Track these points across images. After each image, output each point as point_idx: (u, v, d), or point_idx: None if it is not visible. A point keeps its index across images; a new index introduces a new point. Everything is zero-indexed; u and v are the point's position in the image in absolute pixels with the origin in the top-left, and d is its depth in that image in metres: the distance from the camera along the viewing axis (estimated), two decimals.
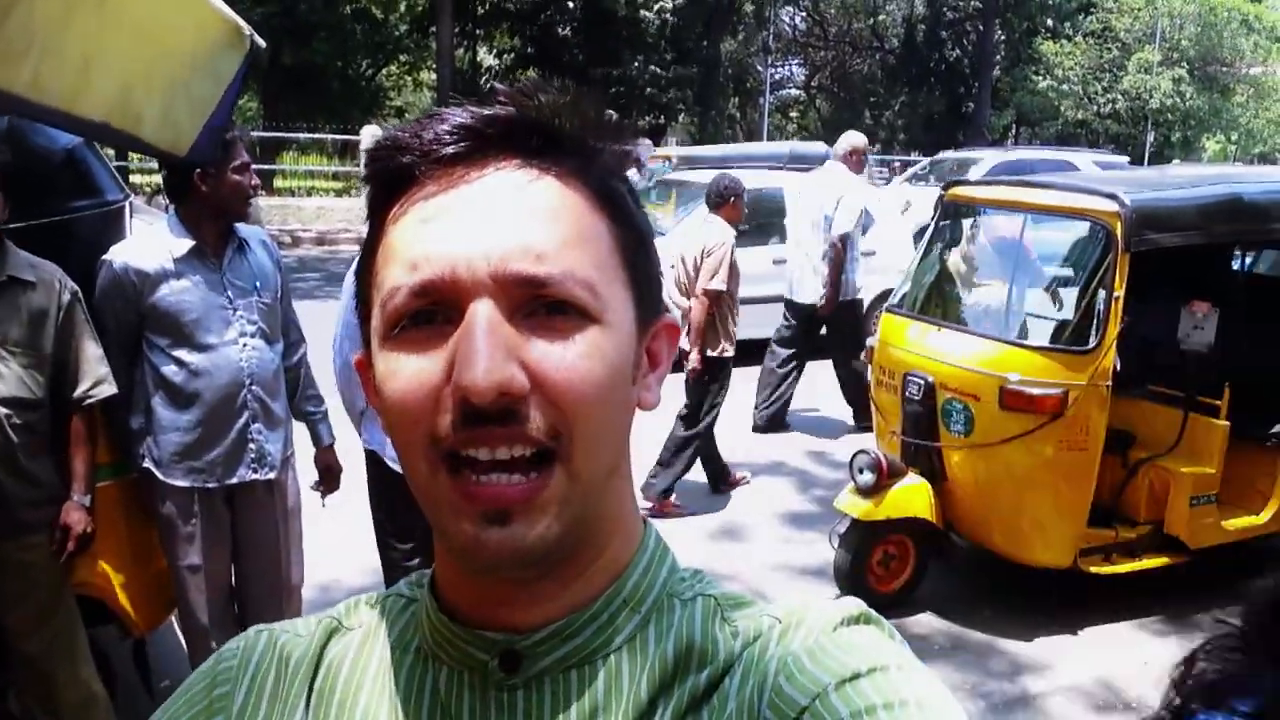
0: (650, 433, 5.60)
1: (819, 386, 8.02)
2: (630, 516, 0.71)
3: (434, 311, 0.60)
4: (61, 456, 2.80)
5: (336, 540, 4.46)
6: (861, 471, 4.44)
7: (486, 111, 0.63)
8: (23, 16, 1.84)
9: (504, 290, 0.59)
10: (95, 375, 2.82)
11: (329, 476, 3.46)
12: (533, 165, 0.63)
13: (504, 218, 0.60)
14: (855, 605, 0.67)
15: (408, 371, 0.60)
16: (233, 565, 3.19)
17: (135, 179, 17.39)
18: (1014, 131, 38.15)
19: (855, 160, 7.26)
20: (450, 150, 0.62)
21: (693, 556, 5.01)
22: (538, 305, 0.60)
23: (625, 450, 0.68)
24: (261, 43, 2.57)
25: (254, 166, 2.98)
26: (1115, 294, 4.18)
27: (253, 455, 3.04)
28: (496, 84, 0.66)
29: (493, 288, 0.59)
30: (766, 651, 0.65)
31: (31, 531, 2.72)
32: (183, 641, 3.41)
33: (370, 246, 0.66)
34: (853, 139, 7.31)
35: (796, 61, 39.95)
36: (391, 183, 0.64)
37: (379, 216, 0.66)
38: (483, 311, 0.58)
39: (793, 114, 42.16)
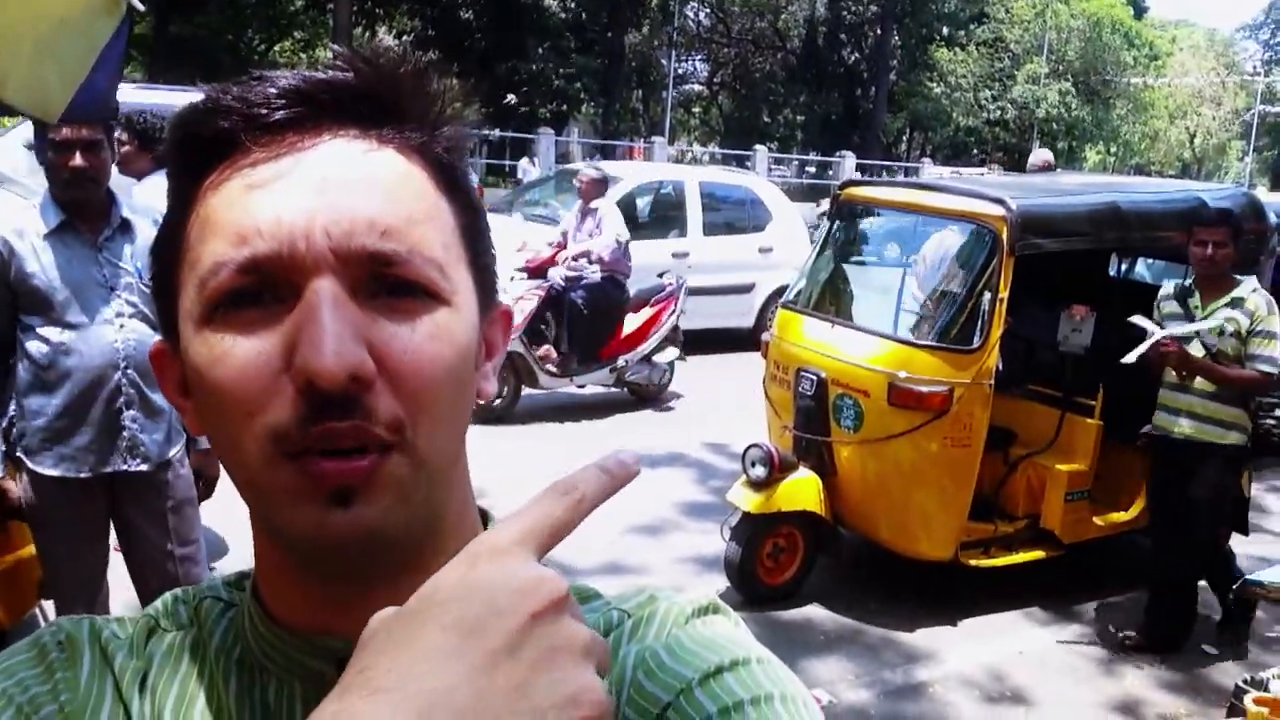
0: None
1: (719, 380, 8.11)
2: (471, 512, 0.67)
3: (261, 291, 0.55)
4: None
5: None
6: (753, 465, 4.49)
7: (321, 76, 0.58)
8: None
9: (347, 268, 0.54)
10: None
11: (202, 484, 3.23)
12: (371, 136, 0.58)
13: (344, 189, 0.55)
14: (704, 596, 0.66)
15: (237, 355, 0.54)
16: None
17: None
18: (908, 135, 39.20)
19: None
20: (281, 115, 0.57)
21: (609, 549, 5.02)
22: (381, 285, 0.55)
23: (464, 440, 0.63)
24: (139, 5, 2.46)
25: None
26: (1000, 295, 4.32)
27: (126, 444, 2.89)
28: (333, 45, 0.62)
29: (335, 264, 0.54)
30: (620, 647, 0.62)
31: None
32: None
33: (177, 220, 0.59)
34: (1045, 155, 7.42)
35: (700, 57, 40.28)
36: (208, 150, 0.58)
37: (190, 186, 0.59)
38: (327, 289, 0.53)
39: (695, 109, 42.50)
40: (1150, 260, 6.89)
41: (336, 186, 0.56)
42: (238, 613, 0.66)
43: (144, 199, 3.22)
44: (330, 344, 0.52)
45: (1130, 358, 4.12)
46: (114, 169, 2.93)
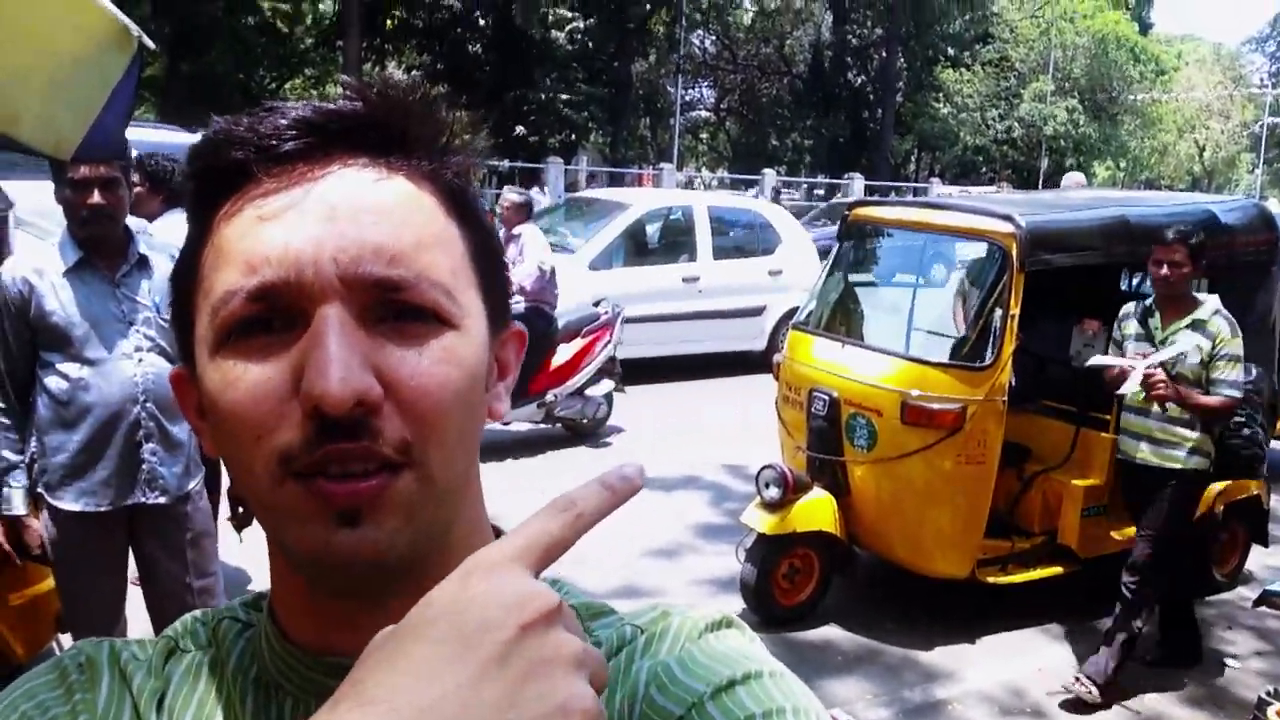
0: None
1: (738, 401, 8.10)
2: (484, 529, 0.67)
3: (271, 319, 0.56)
4: None
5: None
6: (767, 486, 4.49)
7: (330, 106, 0.60)
8: None
9: (354, 294, 0.56)
10: None
11: (241, 510, 3.24)
12: (380, 164, 0.60)
13: (353, 217, 0.57)
14: (717, 610, 0.66)
15: (247, 381, 0.56)
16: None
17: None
18: (916, 156, 39.26)
19: None
20: (290, 146, 0.58)
21: (623, 572, 5.02)
22: (388, 311, 0.57)
23: (476, 460, 0.65)
24: (150, 43, 2.49)
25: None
26: (1011, 312, 4.32)
27: (145, 477, 2.91)
28: (344, 77, 0.64)
29: (342, 291, 0.55)
30: (633, 662, 0.62)
31: None
32: None
33: (193, 250, 0.61)
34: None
35: (706, 84, 40.48)
36: (221, 181, 0.59)
37: (205, 217, 0.60)
38: (334, 316, 0.55)
39: (703, 135, 42.68)
40: None
41: (345, 215, 0.57)
42: (255, 633, 0.67)
43: (161, 238, 3.25)
44: (336, 370, 0.53)
45: (1101, 371, 4.09)
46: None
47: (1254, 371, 4.31)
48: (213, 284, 0.58)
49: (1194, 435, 4.01)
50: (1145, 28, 44.53)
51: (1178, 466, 4.03)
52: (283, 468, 0.55)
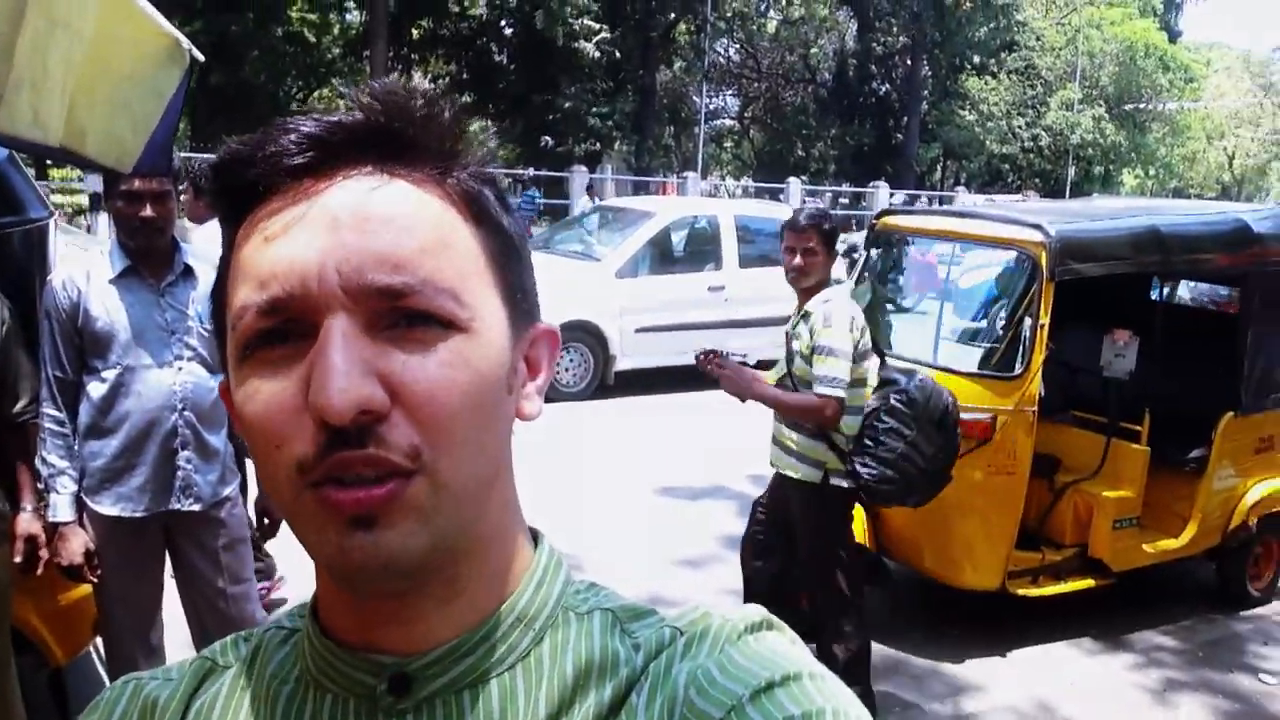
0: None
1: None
2: (516, 530, 0.68)
3: (286, 331, 0.57)
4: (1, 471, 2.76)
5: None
6: None
7: (332, 118, 0.60)
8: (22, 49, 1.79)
9: (360, 303, 0.56)
10: (33, 391, 2.83)
11: (268, 522, 3.29)
12: (385, 172, 0.60)
13: (355, 226, 0.57)
14: (757, 612, 0.66)
15: (264, 395, 0.57)
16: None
17: (56, 198, 16.97)
18: (941, 164, 39.10)
19: None
20: (297, 161, 0.59)
21: (651, 582, 5.01)
22: (398, 317, 0.57)
23: (504, 462, 0.65)
24: (200, 56, 2.55)
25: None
26: (1040, 321, 4.29)
27: (181, 484, 2.95)
28: (343, 88, 0.63)
29: (347, 301, 0.56)
30: (673, 665, 0.63)
31: None
32: (102, 673, 3.30)
33: (224, 268, 0.63)
34: None
35: (730, 92, 40.51)
36: (238, 199, 0.61)
37: (230, 235, 0.62)
38: (337, 327, 0.56)
39: (727, 144, 42.68)
40: (1192, 283, 6.83)
41: (347, 224, 0.58)
42: (300, 636, 0.68)
43: (202, 246, 3.31)
44: (336, 381, 0.54)
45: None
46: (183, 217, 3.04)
47: (906, 379, 3.76)
48: (233, 300, 0.60)
49: (808, 443, 3.61)
50: (1174, 35, 44.16)
51: (792, 475, 3.66)
52: (300, 477, 0.56)
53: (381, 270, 0.57)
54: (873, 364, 3.74)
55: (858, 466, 3.61)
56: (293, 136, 0.59)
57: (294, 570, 4.41)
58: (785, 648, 0.63)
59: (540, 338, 0.68)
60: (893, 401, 3.67)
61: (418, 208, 0.60)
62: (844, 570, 3.73)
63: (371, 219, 0.58)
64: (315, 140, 0.59)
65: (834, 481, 3.62)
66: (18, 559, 2.73)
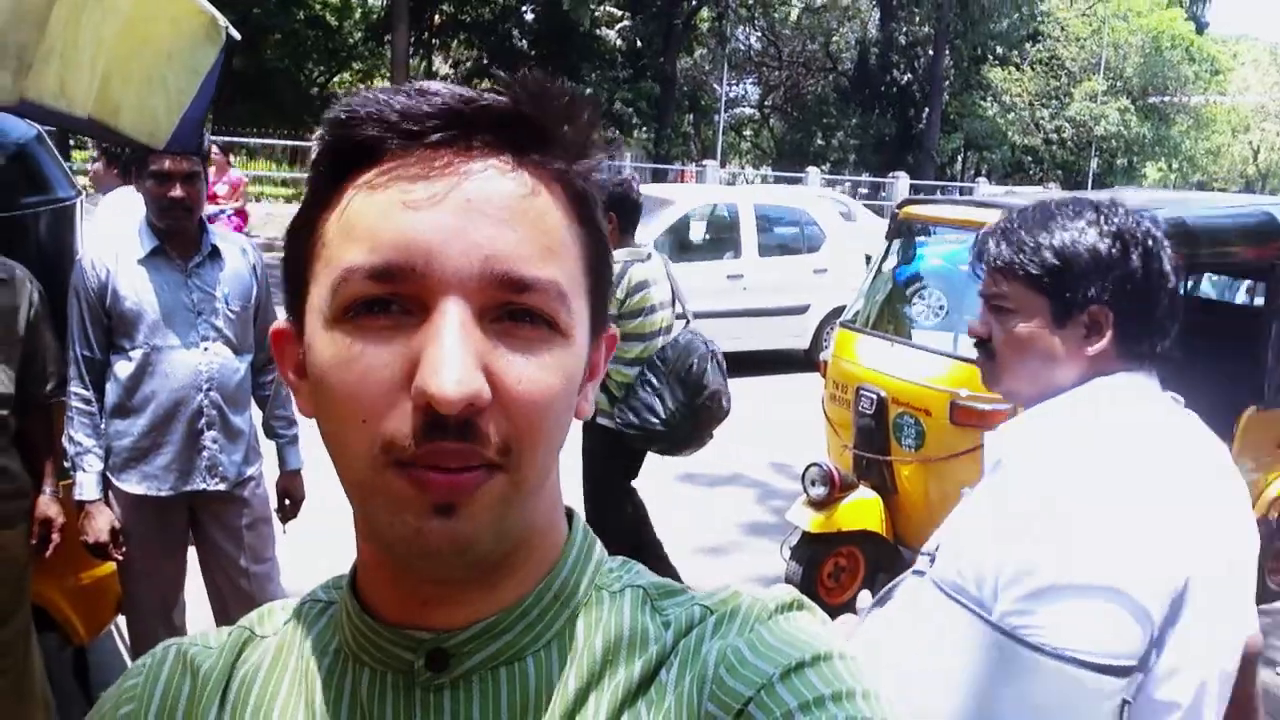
0: None
1: (782, 399, 8.07)
2: (559, 513, 0.69)
3: (392, 301, 0.56)
4: (25, 452, 2.77)
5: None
6: (813, 484, 4.48)
7: (477, 97, 0.59)
8: (53, 24, 1.81)
9: (477, 291, 0.56)
10: (60, 374, 2.84)
11: (288, 503, 3.31)
12: (522, 165, 0.59)
13: (488, 214, 0.57)
14: (788, 592, 0.66)
15: (362, 363, 0.56)
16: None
17: (81, 180, 17.06)
18: (962, 155, 38.87)
19: None
20: (438, 136, 0.58)
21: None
22: (505, 311, 0.57)
23: (558, 456, 0.66)
24: (236, 35, 2.56)
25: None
26: None
27: (206, 464, 2.97)
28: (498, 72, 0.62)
29: (467, 286, 0.56)
30: (703, 643, 0.63)
31: (6, 526, 2.69)
32: (123, 651, 3.34)
33: (316, 213, 0.61)
34: None
35: (751, 80, 40.33)
36: (357, 152, 0.59)
37: (333, 185, 0.60)
38: (455, 312, 0.55)
39: (746, 132, 42.54)
40: (1215, 276, 6.77)
41: (480, 211, 0.57)
42: (337, 609, 0.69)
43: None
44: (452, 371, 0.53)
45: None
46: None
47: (684, 340, 4.05)
48: (336, 256, 0.58)
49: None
50: (1201, 26, 43.72)
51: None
52: (385, 455, 0.56)
53: (507, 263, 0.57)
54: (658, 318, 4.05)
55: (615, 412, 3.99)
56: (429, 107, 0.58)
57: (292, 566, 4.43)
58: (815, 628, 0.64)
59: (605, 341, 0.69)
60: (654, 358, 4.01)
61: (547, 206, 0.60)
62: (615, 506, 4.15)
63: (505, 209, 0.58)
64: (455, 115, 0.58)
65: (600, 421, 4.00)
66: (33, 541, 2.76)
